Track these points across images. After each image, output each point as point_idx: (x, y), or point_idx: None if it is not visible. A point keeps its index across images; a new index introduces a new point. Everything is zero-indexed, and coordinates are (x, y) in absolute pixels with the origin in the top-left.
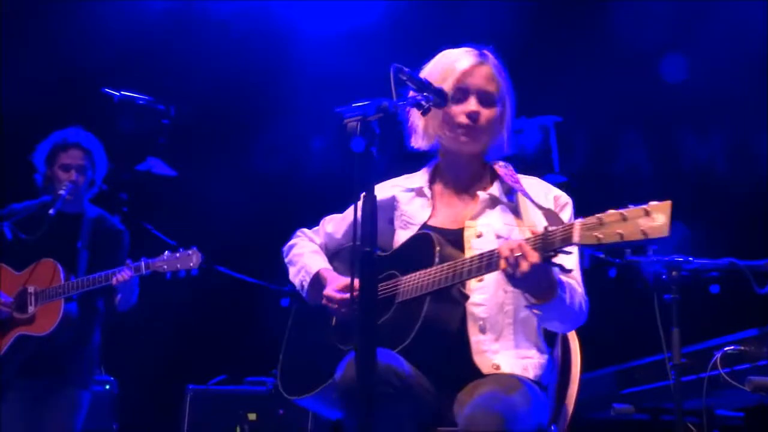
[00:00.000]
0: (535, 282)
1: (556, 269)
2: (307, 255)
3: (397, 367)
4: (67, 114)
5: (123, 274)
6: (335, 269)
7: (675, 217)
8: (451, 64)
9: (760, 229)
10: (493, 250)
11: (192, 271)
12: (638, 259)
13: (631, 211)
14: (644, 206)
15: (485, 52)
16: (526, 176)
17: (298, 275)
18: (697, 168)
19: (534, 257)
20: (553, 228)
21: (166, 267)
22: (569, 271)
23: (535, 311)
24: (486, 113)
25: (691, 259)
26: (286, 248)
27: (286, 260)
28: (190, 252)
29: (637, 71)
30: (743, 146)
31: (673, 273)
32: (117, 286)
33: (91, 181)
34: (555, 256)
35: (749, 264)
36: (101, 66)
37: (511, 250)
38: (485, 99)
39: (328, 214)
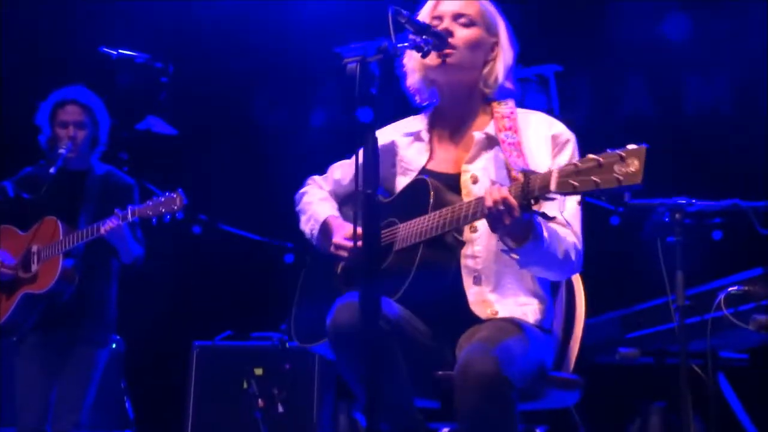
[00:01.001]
0: (511, 226)
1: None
2: (316, 203)
3: (386, 312)
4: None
5: (110, 223)
6: (345, 215)
7: (679, 161)
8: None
9: (762, 171)
10: (480, 198)
11: (177, 215)
12: (640, 203)
13: (606, 156)
14: (619, 151)
15: None
16: (528, 111)
17: (308, 223)
18: (701, 111)
19: (515, 207)
20: (533, 175)
21: (150, 212)
22: (551, 218)
23: (513, 255)
24: (461, 32)
25: (693, 201)
26: (297, 196)
27: (297, 209)
28: (174, 195)
29: (637, 18)
30: (745, 89)
31: (676, 215)
32: (109, 237)
33: (93, 138)
34: (536, 203)
35: (752, 205)
36: (98, 24)
37: (495, 201)
38: (460, 19)
39: (330, 165)
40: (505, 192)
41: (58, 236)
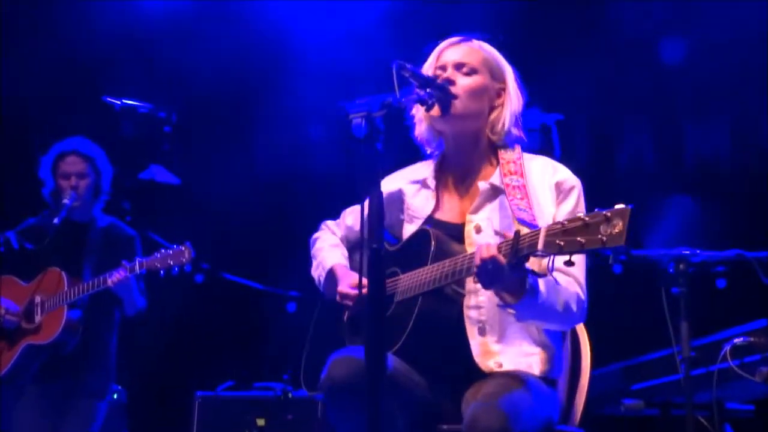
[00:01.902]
0: (501, 283)
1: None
2: (326, 249)
3: None
4: (68, 123)
5: (117, 275)
6: (355, 262)
7: (684, 209)
8: (435, 50)
9: (766, 221)
10: (472, 254)
11: (185, 268)
12: (644, 254)
13: (593, 215)
14: (605, 212)
15: (471, 37)
16: (534, 157)
17: (317, 270)
18: (701, 159)
19: (503, 265)
20: (524, 233)
21: (159, 265)
22: (541, 275)
23: (509, 310)
24: (463, 80)
25: (698, 251)
26: (311, 241)
27: (311, 253)
28: (182, 248)
29: (637, 60)
30: (747, 135)
31: (680, 266)
32: (115, 288)
33: (95, 188)
34: (527, 260)
35: (756, 255)
36: (101, 72)
37: (483, 260)
38: (462, 68)
39: (333, 216)
40: (493, 250)
41: (62, 287)
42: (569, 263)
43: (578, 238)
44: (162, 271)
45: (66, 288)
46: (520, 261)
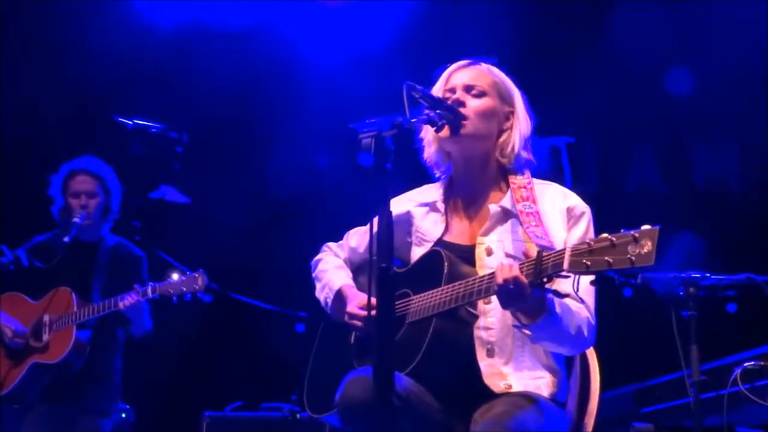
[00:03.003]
0: (523, 303)
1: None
2: (331, 271)
3: (397, 387)
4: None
5: (129, 299)
6: (360, 284)
7: (692, 232)
8: (444, 73)
9: None
10: (491, 275)
11: (198, 294)
12: (654, 276)
13: (620, 236)
14: (633, 232)
15: (480, 60)
16: (544, 183)
17: (323, 291)
18: (710, 183)
19: (526, 285)
20: (546, 253)
21: (172, 290)
22: (565, 295)
23: (525, 331)
24: (473, 102)
25: (708, 275)
26: (313, 263)
27: (313, 275)
28: (196, 275)
29: (644, 88)
30: (755, 158)
31: (690, 289)
32: (126, 311)
33: (105, 208)
34: (550, 281)
35: (767, 279)
36: (110, 93)
37: (505, 280)
38: (472, 91)
39: (341, 237)
40: (516, 271)
41: (71, 307)
42: (594, 283)
43: (606, 258)
44: (174, 298)
45: (75, 308)
46: (542, 282)
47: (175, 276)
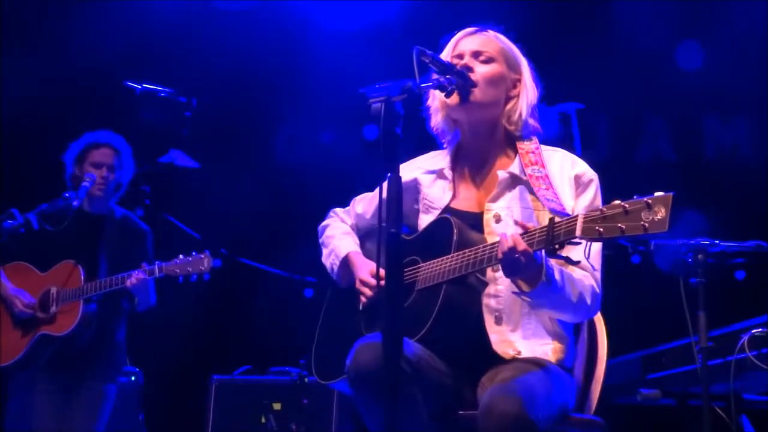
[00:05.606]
0: (523, 269)
1: (560, 260)
2: (337, 237)
3: (407, 353)
4: (89, 108)
5: (137, 277)
6: (367, 250)
7: (700, 203)
8: (451, 40)
9: None
10: (495, 243)
11: (204, 276)
12: (663, 243)
13: (633, 203)
14: (646, 198)
15: (487, 27)
16: (552, 149)
17: (329, 258)
18: (721, 153)
19: (529, 253)
20: (558, 220)
21: (178, 271)
22: (576, 262)
23: (524, 298)
24: (481, 68)
25: (717, 241)
26: (319, 229)
27: (319, 241)
28: (202, 256)
29: (655, 59)
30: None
31: (699, 256)
32: (132, 288)
33: (117, 183)
34: (561, 248)
35: None
36: (121, 60)
37: (509, 248)
38: (479, 57)
39: (348, 203)
40: (518, 240)
41: (77, 280)
42: (604, 249)
43: (619, 224)
44: (180, 278)
45: (82, 282)
46: (554, 249)
47: (181, 256)
